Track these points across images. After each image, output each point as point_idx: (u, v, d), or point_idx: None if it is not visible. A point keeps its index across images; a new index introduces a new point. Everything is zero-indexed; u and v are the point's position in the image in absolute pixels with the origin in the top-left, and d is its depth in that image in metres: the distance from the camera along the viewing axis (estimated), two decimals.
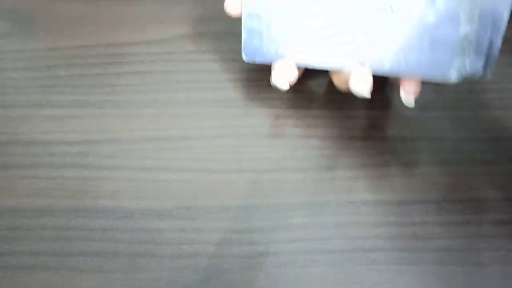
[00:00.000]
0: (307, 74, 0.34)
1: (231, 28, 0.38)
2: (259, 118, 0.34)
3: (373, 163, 0.31)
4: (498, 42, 0.28)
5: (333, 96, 0.34)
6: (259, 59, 0.32)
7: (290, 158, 0.32)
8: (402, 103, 0.31)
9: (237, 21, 0.33)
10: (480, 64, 0.28)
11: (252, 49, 0.32)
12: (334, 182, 0.31)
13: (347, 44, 0.30)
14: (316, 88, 0.35)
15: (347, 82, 0.31)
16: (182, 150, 0.32)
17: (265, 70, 0.35)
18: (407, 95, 0.30)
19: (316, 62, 0.31)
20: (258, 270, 0.27)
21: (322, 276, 0.27)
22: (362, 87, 0.29)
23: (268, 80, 0.34)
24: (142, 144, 0.33)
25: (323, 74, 0.34)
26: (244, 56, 0.32)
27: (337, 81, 0.32)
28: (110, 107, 0.35)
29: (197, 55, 0.37)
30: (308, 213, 0.29)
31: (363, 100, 0.34)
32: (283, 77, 0.31)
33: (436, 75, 0.28)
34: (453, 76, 0.28)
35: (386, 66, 0.29)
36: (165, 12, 0.40)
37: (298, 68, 0.32)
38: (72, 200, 0.30)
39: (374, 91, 0.32)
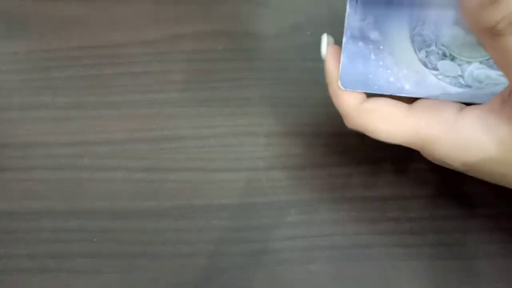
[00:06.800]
0: None
1: (226, 28, 0.38)
2: (255, 117, 0.34)
3: (368, 159, 0.32)
4: None
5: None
6: (362, 89, 0.26)
7: (286, 156, 0.32)
8: None
9: (232, 20, 0.33)
10: None
11: (353, 76, 0.26)
12: (330, 179, 0.31)
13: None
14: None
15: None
16: (178, 150, 0.32)
17: (261, 69, 0.35)
18: None
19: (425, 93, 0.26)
20: (257, 268, 0.27)
21: (320, 273, 0.27)
22: None
23: (266, 78, 0.34)
24: (139, 145, 0.33)
25: None
26: (341, 84, 0.26)
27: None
28: (106, 108, 0.34)
29: (192, 55, 0.37)
30: (305, 210, 0.29)
31: None
32: None
33: None
34: None
35: None
36: (160, 13, 0.40)
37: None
38: (69, 202, 0.30)
39: None
